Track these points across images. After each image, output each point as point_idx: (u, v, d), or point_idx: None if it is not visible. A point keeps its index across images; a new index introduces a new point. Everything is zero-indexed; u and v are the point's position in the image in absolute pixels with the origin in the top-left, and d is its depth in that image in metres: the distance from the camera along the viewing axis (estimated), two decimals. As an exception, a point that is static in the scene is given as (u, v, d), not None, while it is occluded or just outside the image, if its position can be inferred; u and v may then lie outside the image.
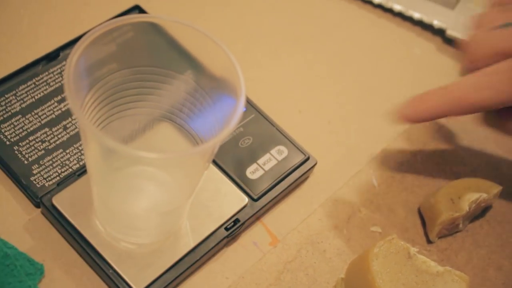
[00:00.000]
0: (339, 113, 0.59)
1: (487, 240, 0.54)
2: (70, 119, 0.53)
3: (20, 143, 0.51)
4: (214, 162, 0.52)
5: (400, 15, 0.65)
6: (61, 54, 0.56)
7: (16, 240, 0.48)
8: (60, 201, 0.49)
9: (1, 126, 0.52)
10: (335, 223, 0.53)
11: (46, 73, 0.55)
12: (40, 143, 0.52)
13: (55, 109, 0.53)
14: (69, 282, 0.48)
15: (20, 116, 0.52)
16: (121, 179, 0.47)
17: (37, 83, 0.54)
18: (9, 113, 0.52)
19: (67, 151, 0.52)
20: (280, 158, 0.54)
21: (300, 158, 0.54)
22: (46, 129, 0.52)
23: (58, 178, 0.50)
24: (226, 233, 0.50)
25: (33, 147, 0.51)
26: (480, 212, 0.55)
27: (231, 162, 0.53)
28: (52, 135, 0.52)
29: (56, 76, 0.55)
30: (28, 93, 0.54)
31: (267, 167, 0.53)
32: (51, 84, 0.54)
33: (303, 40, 0.63)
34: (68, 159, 0.51)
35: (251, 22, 0.63)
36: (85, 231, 0.48)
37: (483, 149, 0.58)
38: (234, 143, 0.54)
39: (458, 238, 0.54)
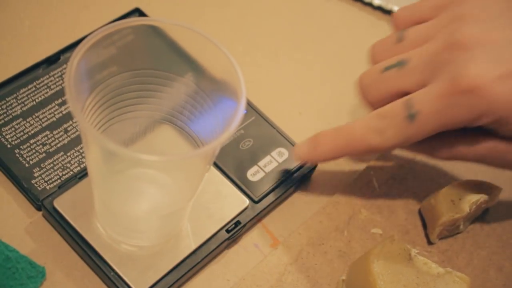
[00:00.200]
0: (339, 115, 0.59)
1: (488, 241, 0.54)
2: (70, 122, 0.53)
3: (21, 146, 0.51)
4: (215, 164, 0.53)
5: (400, 17, 0.65)
6: (62, 57, 0.56)
7: (18, 243, 0.48)
8: (61, 204, 0.49)
9: (2, 130, 0.52)
10: (336, 224, 0.53)
11: (47, 76, 0.55)
12: (41, 146, 0.52)
13: (55, 112, 0.53)
14: (71, 284, 0.48)
15: (21, 119, 0.53)
16: (122, 182, 0.47)
17: (37, 86, 0.54)
18: (10, 116, 0.53)
19: (68, 154, 0.52)
20: (280, 160, 0.54)
21: (300, 160, 0.54)
22: (47, 132, 0.52)
23: (59, 181, 0.50)
24: (227, 235, 0.50)
25: (34, 150, 0.51)
26: (481, 213, 0.55)
27: (231, 164, 0.53)
28: (53, 138, 0.52)
29: (57, 79, 0.55)
30: (28, 96, 0.54)
31: (267, 169, 0.53)
32: (52, 87, 0.54)
33: (303, 42, 0.63)
34: (69, 162, 0.51)
35: (251, 24, 0.63)
36: (86, 234, 0.48)
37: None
38: (234, 145, 0.54)
39: (459, 239, 0.54)
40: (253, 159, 0.53)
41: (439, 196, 0.52)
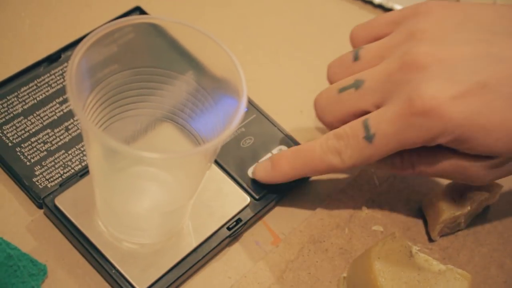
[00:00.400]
0: (340, 112, 0.59)
1: (489, 238, 0.54)
2: (72, 120, 0.53)
3: (22, 145, 0.51)
4: (216, 162, 0.53)
5: (400, 15, 0.65)
6: (63, 56, 0.56)
7: (19, 241, 0.48)
8: (63, 202, 0.49)
9: (4, 128, 0.52)
10: (337, 222, 0.53)
11: (48, 74, 0.55)
12: (42, 144, 0.52)
13: (57, 111, 0.53)
14: (72, 282, 0.48)
15: (22, 117, 0.53)
16: (123, 180, 0.47)
17: (38, 84, 0.54)
18: (11, 115, 0.53)
19: (69, 152, 0.52)
20: (281, 158, 0.54)
21: (301, 157, 0.54)
22: (48, 131, 0.52)
23: (60, 179, 0.50)
24: (228, 233, 0.50)
25: (35, 149, 0.51)
26: (482, 211, 0.55)
27: (232, 162, 0.53)
28: (54, 136, 0.52)
29: (58, 78, 0.55)
30: (30, 94, 0.54)
31: (268, 167, 0.53)
32: (53, 85, 0.55)
33: (304, 40, 0.63)
34: (70, 160, 0.51)
35: (252, 23, 0.63)
36: (87, 232, 0.48)
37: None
38: (235, 143, 0.54)
39: (460, 236, 0.54)
40: (254, 157, 0.53)
41: (440, 194, 0.52)
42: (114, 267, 0.47)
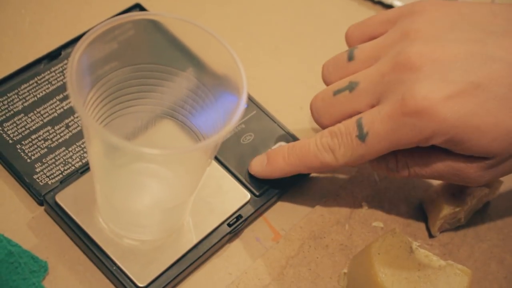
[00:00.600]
0: (340, 109, 0.59)
1: (489, 234, 0.54)
2: (72, 117, 0.53)
3: (22, 142, 0.51)
4: (216, 159, 0.53)
5: (400, 11, 0.65)
6: (63, 53, 0.56)
7: (20, 238, 0.48)
8: (63, 198, 0.49)
9: (4, 125, 0.52)
10: (337, 218, 0.53)
11: (48, 71, 0.55)
12: (42, 141, 0.52)
13: (57, 108, 0.53)
14: (73, 279, 0.48)
15: (22, 114, 0.53)
16: (124, 176, 0.47)
17: (39, 82, 0.54)
18: (12, 112, 0.53)
19: (70, 149, 0.52)
20: (281, 154, 0.54)
21: (301, 154, 0.54)
22: (49, 128, 0.52)
23: (61, 176, 0.51)
24: (229, 229, 0.50)
25: (35, 146, 0.51)
26: (482, 206, 0.55)
27: (233, 158, 0.53)
28: (54, 134, 0.52)
29: (58, 75, 0.55)
30: (30, 92, 0.54)
31: (269, 163, 0.53)
32: (53, 82, 0.55)
33: (304, 37, 0.63)
34: (70, 157, 0.51)
35: (251, 19, 0.63)
36: (88, 228, 0.48)
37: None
38: (235, 139, 0.54)
39: (460, 232, 0.54)
40: (254, 153, 0.54)
41: (440, 189, 0.52)
42: (115, 264, 0.47)
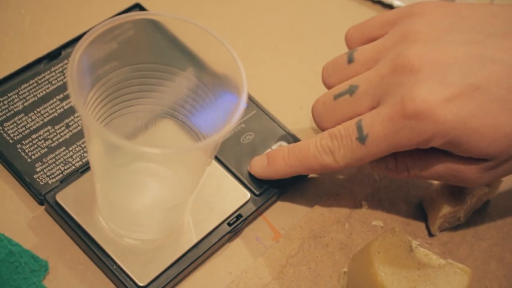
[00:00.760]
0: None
1: (489, 232, 0.54)
2: (72, 117, 0.53)
3: (23, 141, 0.52)
4: (216, 158, 0.53)
5: (399, 11, 0.66)
6: (63, 53, 0.56)
7: (21, 237, 0.49)
8: (64, 198, 0.49)
9: (4, 125, 0.52)
10: (337, 217, 0.53)
11: (48, 71, 0.55)
12: (43, 141, 0.52)
13: (57, 107, 0.54)
14: (74, 278, 0.48)
15: (22, 114, 0.53)
16: (124, 176, 0.47)
17: (39, 81, 0.55)
18: (12, 112, 0.53)
19: (70, 148, 0.52)
20: (281, 153, 0.54)
21: (301, 153, 0.54)
22: (49, 127, 0.53)
23: (61, 175, 0.51)
24: (229, 229, 0.50)
25: (36, 145, 0.52)
26: (482, 205, 0.55)
27: (233, 158, 0.53)
28: (54, 133, 0.52)
29: (58, 75, 0.55)
30: (30, 91, 0.54)
31: (269, 163, 0.53)
32: (53, 82, 0.55)
33: (303, 36, 0.63)
34: (71, 156, 0.52)
35: (251, 19, 0.64)
36: (88, 228, 0.48)
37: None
38: (236, 139, 0.54)
39: (460, 231, 0.54)
40: (254, 153, 0.54)
41: (440, 188, 0.53)
42: (115, 263, 0.47)
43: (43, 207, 0.50)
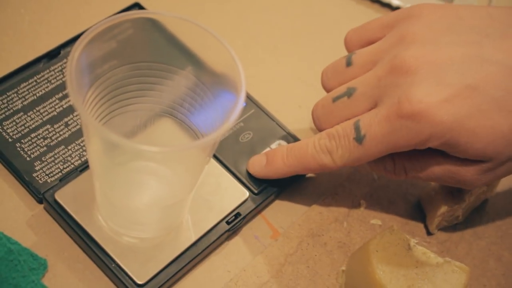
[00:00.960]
0: (338, 107, 0.59)
1: (487, 231, 0.54)
2: (71, 116, 0.53)
3: (22, 140, 0.52)
4: (215, 157, 0.53)
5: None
6: (62, 52, 0.56)
7: (20, 235, 0.49)
8: (63, 196, 0.49)
9: (3, 124, 0.52)
10: (335, 216, 0.53)
11: (47, 70, 0.55)
12: (42, 140, 0.52)
13: (56, 106, 0.54)
14: (72, 276, 0.48)
15: (22, 113, 0.53)
16: (123, 174, 0.47)
17: (38, 80, 0.55)
18: (11, 111, 0.53)
19: (69, 147, 0.52)
20: (280, 152, 0.54)
21: (300, 152, 0.54)
22: (48, 126, 0.53)
23: (60, 174, 0.51)
24: (227, 227, 0.50)
25: (35, 144, 0.52)
26: (480, 204, 0.55)
27: (231, 156, 0.53)
28: (54, 132, 0.52)
29: (57, 74, 0.55)
30: (29, 90, 0.54)
31: (267, 162, 0.54)
32: (52, 81, 0.55)
33: (302, 36, 0.63)
34: (70, 155, 0.52)
35: (250, 19, 0.64)
36: (87, 226, 0.48)
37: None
38: (234, 138, 0.54)
39: (458, 229, 0.54)
40: (253, 152, 0.54)
41: (438, 187, 0.53)
42: (114, 261, 0.47)
43: (42, 205, 0.50)
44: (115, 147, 0.42)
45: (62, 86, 0.55)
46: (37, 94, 0.54)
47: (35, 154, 0.51)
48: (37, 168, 0.51)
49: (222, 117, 0.42)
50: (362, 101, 0.48)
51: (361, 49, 0.51)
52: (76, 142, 0.52)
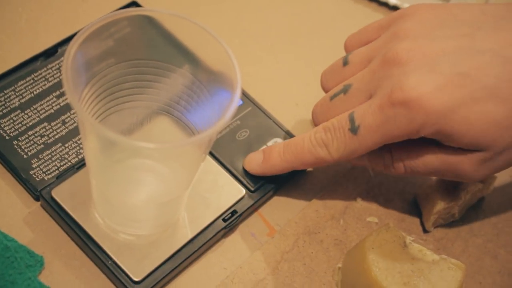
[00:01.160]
0: (335, 105, 0.59)
1: (483, 229, 0.54)
2: (68, 114, 0.54)
3: (19, 138, 0.52)
4: (212, 155, 0.53)
5: (395, 9, 0.66)
6: (59, 50, 0.57)
7: (16, 232, 0.49)
8: (59, 194, 0.49)
9: (1, 121, 0.52)
10: (332, 213, 0.53)
11: (45, 68, 0.55)
12: (39, 137, 0.52)
13: (53, 104, 0.54)
14: (69, 273, 0.48)
15: (19, 111, 0.53)
16: (119, 172, 0.47)
17: (35, 78, 0.55)
18: (9, 108, 0.53)
19: (66, 145, 0.52)
20: (277, 150, 0.54)
21: (296, 150, 0.54)
22: (45, 124, 0.53)
23: (57, 171, 0.51)
24: (224, 224, 0.50)
25: (32, 142, 0.52)
26: (476, 202, 0.55)
27: (228, 154, 0.53)
28: (51, 130, 0.53)
29: (55, 72, 0.55)
30: (27, 88, 0.54)
31: (264, 159, 0.54)
32: (50, 79, 0.55)
33: (299, 34, 0.64)
34: (67, 153, 0.52)
35: (247, 17, 0.64)
36: (84, 223, 0.48)
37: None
38: (231, 136, 0.54)
39: (454, 227, 0.54)
40: (250, 150, 0.54)
41: (435, 184, 0.53)
42: (111, 258, 0.47)
43: (39, 203, 0.51)
44: (112, 144, 0.42)
45: (59, 84, 0.55)
46: (35, 92, 0.54)
47: (32, 151, 0.51)
48: (34, 166, 0.51)
49: (219, 114, 0.42)
50: (357, 96, 0.49)
51: (357, 49, 0.51)
52: (73, 140, 0.53)
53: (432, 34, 0.47)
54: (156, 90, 0.46)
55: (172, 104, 0.47)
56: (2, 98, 0.53)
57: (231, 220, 0.51)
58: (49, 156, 0.51)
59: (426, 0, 0.55)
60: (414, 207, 0.54)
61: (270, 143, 0.54)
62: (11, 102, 0.53)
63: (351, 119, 0.47)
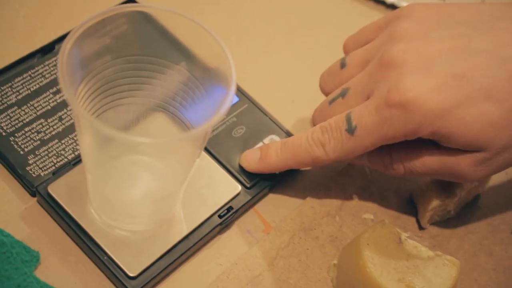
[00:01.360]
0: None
1: (479, 226, 0.55)
2: (65, 110, 0.54)
3: (16, 134, 0.52)
4: (208, 152, 0.53)
5: (392, 7, 0.66)
6: (56, 47, 0.57)
7: (12, 228, 0.49)
8: (56, 190, 0.49)
9: (-3, 118, 0.53)
10: (327, 210, 0.53)
11: (42, 65, 0.55)
12: (35, 134, 0.52)
13: (50, 101, 0.54)
14: (65, 269, 0.48)
15: (16, 107, 0.53)
16: (115, 167, 0.48)
17: (32, 75, 0.55)
18: (5, 105, 0.53)
19: (63, 141, 0.52)
20: (273, 147, 0.54)
21: (292, 147, 0.54)
22: (42, 120, 0.53)
23: (53, 167, 0.51)
24: (220, 221, 0.50)
25: (29, 138, 0.52)
26: (472, 199, 0.55)
27: (224, 151, 0.54)
28: (47, 126, 0.53)
29: (51, 69, 0.56)
30: (23, 85, 0.54)
31: (260, 156, 0.54)
32: (46, 76, 0.55)
33: (296, 31, 0.64)
34: (63, 149, 0.52)
35: (244, 14, 0.64)
36: (80, 219, 0.48)
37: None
38: (227, 132, 0.55)
39: (450, 224, 0.54)
40: (246, 146, 0.54)
41: (430, 181, 0.53)
42: (106, 254, 0.48)
43: (35, 198, 0.51)
44: (107, 140, 0.42)
45: (56, 81, 0.55)
46: (31, 89, 0.54)
47: (29, 148, 0.52)
48: (30, 162, 0.51)
49: (214, 111, 0.42)
50: (355, 99, 0.49)
51: (354, 51, 0.52)
52: (69, 136, 0.53)
53: (428, 35, 0.47)
54: (152, 86, 0.47)
55: (168, 100, 0.47)
56: (-1, 95, 0.54)
57: (227, 216, 0.51)
58: (46, 152, 0.52)
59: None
60: (410, 204, 0.55)
61: (266, 140, 0.55)
62: (8, 99, 0.53)
63: (348, 120, 0.48)
